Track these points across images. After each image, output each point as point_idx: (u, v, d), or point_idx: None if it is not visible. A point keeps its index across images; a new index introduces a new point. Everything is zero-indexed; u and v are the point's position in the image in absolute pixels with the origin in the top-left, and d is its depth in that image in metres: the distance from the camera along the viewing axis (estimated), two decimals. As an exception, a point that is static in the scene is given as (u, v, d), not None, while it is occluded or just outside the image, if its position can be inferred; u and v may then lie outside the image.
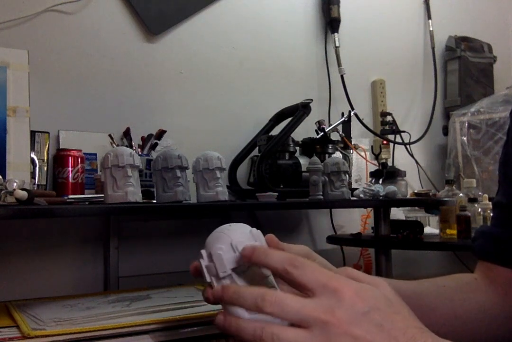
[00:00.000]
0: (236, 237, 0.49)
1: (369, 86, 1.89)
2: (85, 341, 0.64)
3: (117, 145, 1.24)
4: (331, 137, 1.50)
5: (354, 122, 1.63)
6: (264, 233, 0.53)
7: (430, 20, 2.04)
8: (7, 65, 1.04)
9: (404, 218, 1.63)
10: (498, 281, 0.62)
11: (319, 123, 1.51)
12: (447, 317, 0.60)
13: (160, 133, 1.32)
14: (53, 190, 1.14)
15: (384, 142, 1.76)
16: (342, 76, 1.74)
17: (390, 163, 1.71)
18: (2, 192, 0.80)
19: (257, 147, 1.48)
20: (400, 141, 1.83)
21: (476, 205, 1.44)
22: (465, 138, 1.84)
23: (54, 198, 0.97)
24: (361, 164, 1.64)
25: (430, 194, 1.58)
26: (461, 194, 1.48)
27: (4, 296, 1.06)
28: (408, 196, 1.63)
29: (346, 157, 1.49)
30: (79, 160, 1.18)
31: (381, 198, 1.33)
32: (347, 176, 1.27)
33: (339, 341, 0.39)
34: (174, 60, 1.48)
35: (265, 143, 1.40)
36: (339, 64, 1.74)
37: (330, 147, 1.47)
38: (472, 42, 2.07)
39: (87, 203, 1.04)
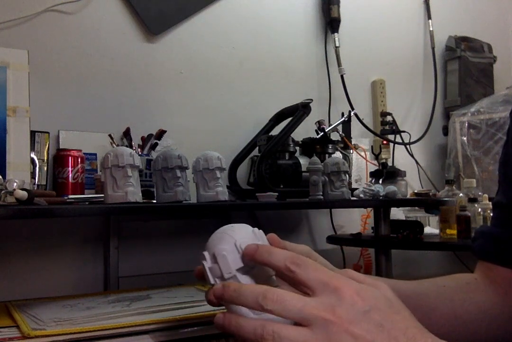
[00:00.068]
0: (240, 237, 0.49)
1: (369, 86, 1.89)
2: (85, 341, 0.64)
3: (117, 145, 1.24)
4: (331, 137, 1.50)
5: (354, 122, 1.63)
6: (265, 233, 0.53)
7: (430, 20, 2.04)
8: (7, 65, 1.04)
9: (404, 218, 1.63)
10: (498, 281, 0.62)
11: (319, 123, 1.51)
12: (447, 317, 0.60)
13: (160, 133, 1.32)
14: (53, 190, 1.14)
15: (384, 142, 1.76)
16: (342, 76, 1.74)
17: (390, 163, 1.71)
18: (2, 192, 0.80)
19: (257, 147, 1.48)
20: (400, 141, 1.83)
21: (476, 205, 1.44)
22: (465, 138, 1.84)
23: (54, 198, 0.97)
24: (361, 164, 1.64)
25: (430, 194, 1.58)
26: (461, 194, 1.48)
27: (4, 296, 1.06)
28: (408, 196, 1.63)
29: (346, 157, 1.49)
30: (79, 160, 1.18)
31: (381, 198, 1.33)
32: (347, 176, 1.27)
33: (339, 339, 0.39)
34: (174, 60, 1.48)
35: (265, 143, 1.40)
36: (339, 64, 1.74)
37: (330, 147, 1.47)
38: (472, 42, 2.07)
39: (87, 203, 1.04)
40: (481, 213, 1.43)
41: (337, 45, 1.74)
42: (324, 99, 1.75)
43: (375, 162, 1.69)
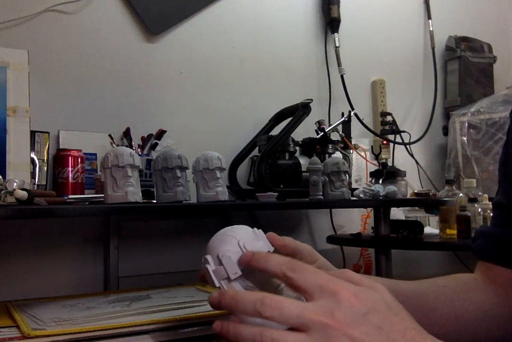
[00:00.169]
0: (242, 237, 0.49)
1: (369, 86, 1.89)
2: (85, 341, 0.64)
3: (117, 145, 1.24)
4: (331, 137, 1.50)
5: (354, 122, 1.63)
6: (265, 233, 0.54)
7: (430, 20, 2.04)
8: (7, 65, 1.04)
9: (404, 218, 1.63)
10: (498, 281, 0.62)
11: (319, 123, 1.51)
12: (447, 317, 0.60)
13: (160, 133, 1.32)
14: (53, 190, 1.13)
15: (384, 142, 1.76)
16: (342, 76, 1.74)
17: (390, 163, 1.71)
18: (2, 192, 0.80)
19: (257, 147, 1.48)
20: (400, 141, 1.83)
21: (476, 205, 1.44)
22: (465, 138, 1.84)
23: (54, 198, 0.97)
24: (361, 164, 1.64)
25: (430, 194, 1.58)
26: (461, 194, 1.48)
27: (4, 296, 1.06)
28: (408, 196, 1.63)
29: (346, 157, 1.49)
30: (79, 160, 1.18)
31: (381, 198, 1.33)
32: (347, 176, 1.27)
33: None
34: (174, 60, 1.48)
35: (265, 143, 1.40)
36: (339, 64, 1.74)
37: (330, 147, 1.47)
38: (472, 42, 2.07)
39: (87, 203, 1.04)
40: (481, 213, 1.43)
41: (337, 45, 1.74)
42: (324, 99, 1.75)
43: (375, 162, 1.69)
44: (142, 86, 1.42)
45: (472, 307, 0.61)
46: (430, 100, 2.00)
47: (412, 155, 1.89)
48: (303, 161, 1.42)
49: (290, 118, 1.45)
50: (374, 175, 1.57)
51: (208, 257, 0.49)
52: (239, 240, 0.48)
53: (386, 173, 1.55)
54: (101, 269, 1.30)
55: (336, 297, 0.41)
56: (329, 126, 1.52)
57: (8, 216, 0.78)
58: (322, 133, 1.49)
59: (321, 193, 1.23)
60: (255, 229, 0.52)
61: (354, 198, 1.33)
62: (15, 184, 0.80)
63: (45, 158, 1.18)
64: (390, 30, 1.95)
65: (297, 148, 1.47)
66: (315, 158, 1.25)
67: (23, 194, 0.79)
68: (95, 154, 1.26)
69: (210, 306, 0.46)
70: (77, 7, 1.34)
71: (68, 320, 0.69)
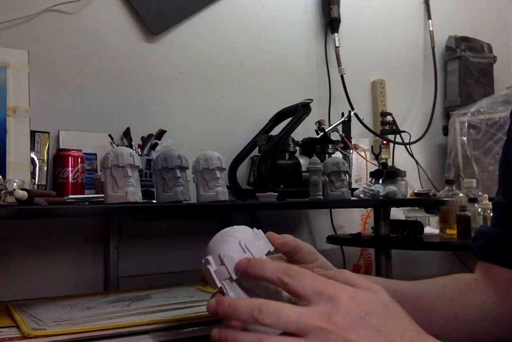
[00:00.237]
0: (243, 237, 0.49)
1: (369, 86, 1.89)
2: (85, 341, 0.64)
3: (117, 145, 1.24)
4: (331, 137, 1.50)
5: (354, 122, 1.63)
6: (264, 233, 0.54)
7: (430, 20, 2.04)
8: (7, 65, 1.04)
9: (404, 218, 1.63)
10: (498, 281, 0.62)
11: (319, 123, 1.51)
12: (447, 318, 0.60)
13: (160, 133, 1.32)
14: (53, 190, 1.13)
15: (384, 142, 1.76)
16: (342, 76, 1.74)
17: (390, 163, 1.71)
18: (2, 192, 0.80)
19: (257, 147, 1.48)
20: (400, 141, 1.83)
21: (476, 205, 1.44)
22: (465, 138, 1.84)
23: (54, 198, 0.97)
24: (361, 164, 1.64)
25: (430, 194, 1.58)
26: (461, 194, 1.48)
27: (4, 296, 1.06)
28: (408, 196, 1.63)
29: (346, 157, 1.49)
30: (79, 160, 1.18)
31: (381, 198, 1.33)
32: (347, 176, 1.27)
33: None
34: (174, 60, 1.48)
35: (265, 143, 1.40)
36: (339, 64, 1.74)
37: (330, 147, 1.47)
38: (472, 42, 2.07)
39: (87, 203, 1.04)
40: (481, 213, 1.43)
41: (337, 45, 1.74)
42: (324, 99, 1.75)
43: (375, 162, 1.69)
44: (142, 86, 1.42)
45: (472, 307, 0.61)
46: (430, 100, 2.00)
47: (412, 155, 1.89)
48: (303, 161, 1.42)
49: (290, 118, 1.45)
50: (374, 175, 1.57)
51: (209, 258, 0.49)
52: (240, 240, 0.48)
53: (386, 172, 1.55)
54: (101, 269, 1.30)
55: (334, 301, 0.41)
56: (329, 126, 1.52)
57: (8, 216, 0.78)
58: (322, 133, 1.49)
59: (321, 193, 1.23)
60: (254, 229, 0.52)
61: (354, 198, 1.33)
62: (15, 184, 0.80)
63: (45, 158, 1.18)
64: (390, 30, 1.95)
65: (297, 148, 1.47)
66: (315, 158, 1.25)
67: (23, 194, 0.79)
68: (95, 154, 1.26)
69: (208, 313, 0.46)
70: (77, 7, 1.34)
71: (68, 320, 0.69)
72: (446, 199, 1.43)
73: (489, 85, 2.06)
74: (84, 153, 1.20)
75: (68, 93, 1.31)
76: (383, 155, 1.73)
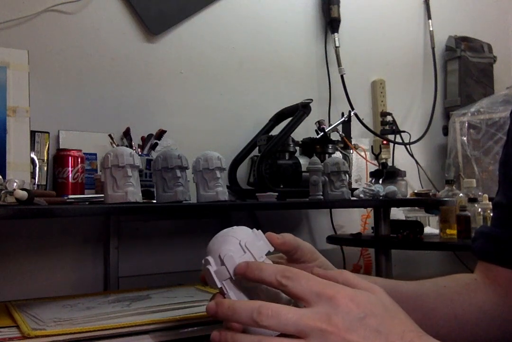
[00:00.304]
0: (243, 237, 0.49)
1: (369, 86, 1.89)
2: (85, 341, 0.64)
3: (117, 145, 1.24)
4: (331, 137, 1.50)
5: (354, 122, 1.63)
6: (264, 233, 0.54)
7: (430, 20, 2.04)
8: (7, 65, 1.04)
9: (404, 218, 1.63)
10: (498, 281, 0.62)
11: (319, 123, 1.51)
12: (448, 318, 0.60)
13: (160, 133, 1.32)
14: (53, 190, 1.13)
15: (384, 142, 1.76)
16: (342, 76, 1.74)
17: (390, 163, 1.71)
18: (2, 192, 0.80)
19: (257, 147, 1.48)
20: (400, 141, 1.83)
21: (476, 205, 1.44)
22: (465, 138, 1.84)
23: (54, 198, 0.97)
24: (361, 164, 1.64)
25: (430, 194, 1.58)
26: (461, 194, 1.48)
27: (4, 296, 1.06)
28: (408, 196, 1.63)
29: (346, 157, 1.49)
30: (79, 160, 1.18)
31: (381, 198, 1.33)
32: (347, 176, 1.27)
33: None
34: (174, 60, 1.48)
35: (265, 143, 1.40)
36: (339, 64, 1.74)
37: (330, 147, 1.47)
38: (472, 42, 2.07)
39: (87, 203, 1.04)
40: (481, 213, 1.43)
41: (337, 45, 1.74)
42: (324, 99, 1.75)
43: (375, 162, 1.69)
44: (142, 86, 1.42)
45: (472, 307, 0.60)
46: (430, 100, 2.00)
47: (412, 155, 1.89)
48: (303, 161, 1.42)
49: (290, 118, 1.45)
50: (374, 175, 1.57)
51: (209, 258, 0.49)
52: (240, 240, 0.48)
53: (386, 173, 1.55)
54: (101, 269, 1.30)
55: (333, 302, 0.41)
56: (329, 126, 1.52)
57: (8, 216, 0.78)
58: (322, 133, 1.49)
59: (321, 193, 1.23)
60: (254, 229, 0.52)
61: (354, 198, 1.33)
62: (15, 184, 0.80)
63: (45, 158, 1.18)
64: (390, 30, 1.95)
65: (297, 148, 1.47)
66: (315, 158, 1.25)
67: (23, 194, 0.79)
68: (95, 154, 1.26)
69: (208, 315, 0.46)
70: (77, 7, 1.34)
71: (68, 320, 0.69)
72: (446, 199, 1.43)
73: (489, 85, 2.06)
74: (84, 153, 1.21)
75: (68, 93, 1.31)
76: (383, 155, 1.73)
